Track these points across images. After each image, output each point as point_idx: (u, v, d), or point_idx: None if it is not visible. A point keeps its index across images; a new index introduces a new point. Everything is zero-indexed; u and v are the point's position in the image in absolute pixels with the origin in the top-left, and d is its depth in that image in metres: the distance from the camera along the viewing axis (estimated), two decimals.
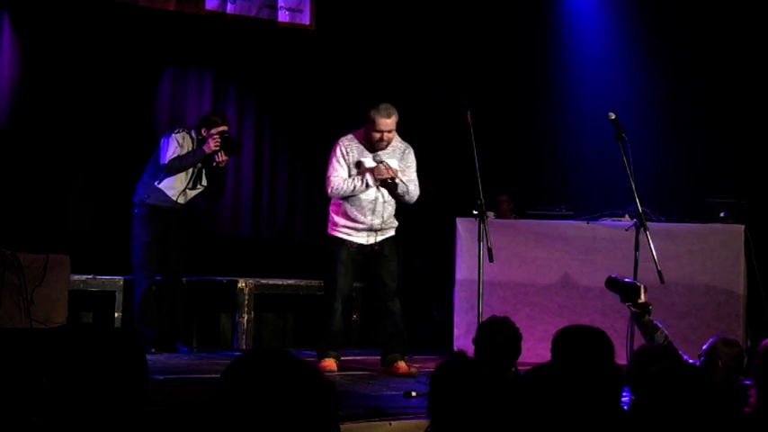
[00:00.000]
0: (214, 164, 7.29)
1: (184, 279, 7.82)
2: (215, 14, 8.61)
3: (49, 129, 8.04)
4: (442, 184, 8.76)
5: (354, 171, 6.49)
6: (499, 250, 6.41)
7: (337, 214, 6.59)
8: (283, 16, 8.93)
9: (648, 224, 6.22)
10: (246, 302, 7.98)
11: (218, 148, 7.22)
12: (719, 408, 2.94)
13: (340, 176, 6.48)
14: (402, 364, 6.52)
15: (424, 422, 3.80)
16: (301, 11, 9.00)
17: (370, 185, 6.48)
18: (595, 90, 9.17)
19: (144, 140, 8.42)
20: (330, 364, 6.45)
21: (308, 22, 9.05)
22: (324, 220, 8.19)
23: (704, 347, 4.53)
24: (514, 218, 8.36)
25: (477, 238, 6.26)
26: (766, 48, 8.36)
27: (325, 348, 6.56)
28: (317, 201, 9.21)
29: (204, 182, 7.42)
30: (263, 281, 8.21)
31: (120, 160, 8.21)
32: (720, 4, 8.58)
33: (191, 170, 7.30)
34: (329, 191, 6.52)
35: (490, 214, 6.97)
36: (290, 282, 8.35)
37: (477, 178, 6.22)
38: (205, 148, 7.20)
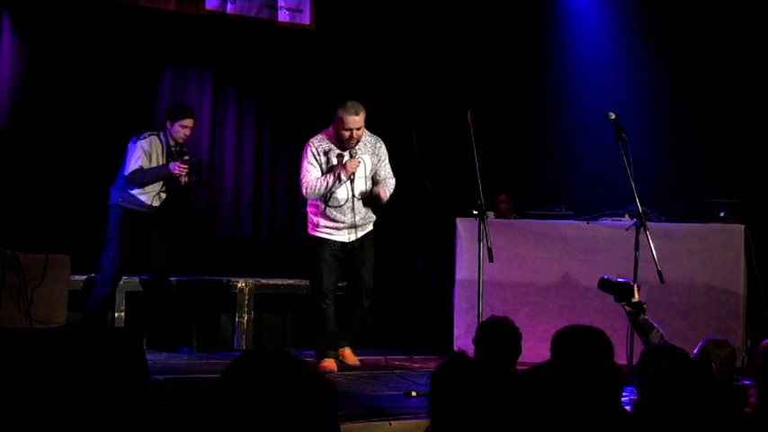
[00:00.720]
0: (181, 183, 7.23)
1: (182, 279, 7.83)
2: (215, 14, 8.61)
3: (50, 129, 8.05)
4: (442, 184, 8.76)
5: (327, 169, 6.48)
6: (499, 250, 6.40)
7: (316, 215, 6.58)
8: (283, 16, 8.94)
9: (648, 224, 6.22)
10: (246, 302, 7.98)
11: (181, 175, 7.10)
12: (720, 408, 2.94)
13: (313, 176, 6.46)
14: (348, 352, 6.69)
15: (424, 422, 3.80)
16: (301, 11, 9.00)
17: (343, 180, 6.46)
18: (595, 90, 9.17)
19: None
20: (330, 364, 6.46)
21: (307, 22, 9.05)
22: None
23: (695, 351, 4.52)
24: (514, 218, 8.35)
25: (477, 238, 6.25)
26: (766, 48, 8.36)
27: (323, 349, 6.56)
28: None
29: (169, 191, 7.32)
30: (263, 281, 8.21)
31: (119, 160, 8.20)
32: (720, 4, 8.58)
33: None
34: (304, 192, 6.50)
35: (490, 214, 6.97)
36: (290, 282, 8.35)
37: (478, 178, 6.22)
38: (171, 168, 7.05)
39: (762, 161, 8.29)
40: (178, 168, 7.06)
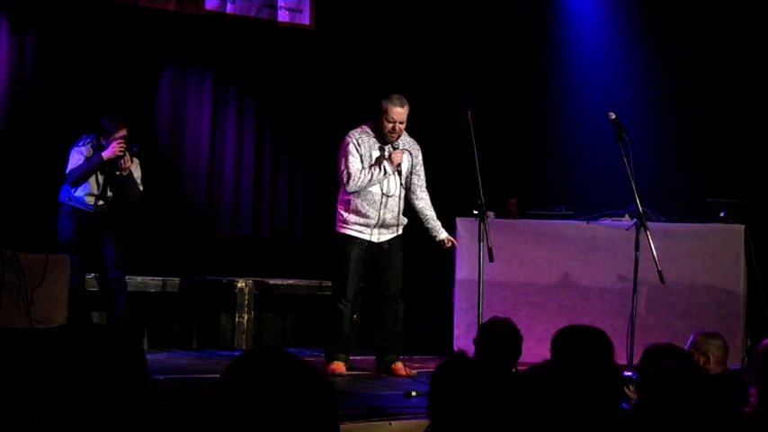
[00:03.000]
0: (117, 172, 6.94)
1: (183, 279, 7.82)
2: (215, 14, 8.61)
3: (50, 129, 8.04)
4: (442, 184, 8.77)
5: (368, 163, 6.36)
6: (499, 250, 6.41)
7: (347, 211, 6.43)
8: (283, 16, 8.93)
9: (649, 224, 6.23)
10: (246, 302, 7.98)
11: (122, 153, 6.86)
12: (719, 407, 2.94)
13: (357, 168, 6.33)
14: (400, 365, 6.49)
15: (424, 422, 3.80)
16: (301, 11, 9.00)
17: (388, 172, 6.36)
18: (595, 90, 9.17)
19: (144, 140, 8.40)
20: (339, 367, 6.37)
21: (307, 22, 9.05)
22: (325, 219, 8.18)
23: (686, 347, 4.51)
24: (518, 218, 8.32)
25: (477, 237, 6.25)
26: (766, 48, 8.36)
27: (334, 351, 6.45)
28: (318, 200, 9.23)
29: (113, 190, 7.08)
30: (263, 281, 8.21)
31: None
32: (720, 4, 8.58)
33: (101, 177, 6.99)
34: (348, 184, 6.34)
35: (490, 214, 6.96)
36: (290, 282, 8.35)
37: (478, 178, 6.22)
38: (104, 153, 6.84)
39: (762, 161, 8.29)
40: (117, 147, 6.81)
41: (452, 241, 6.69)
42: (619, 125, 6.19)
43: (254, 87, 9.15)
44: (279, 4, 8.90)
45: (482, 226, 6.22)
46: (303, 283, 8.40)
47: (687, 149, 8.80)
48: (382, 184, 6.41)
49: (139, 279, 7.65)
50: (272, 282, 8.27)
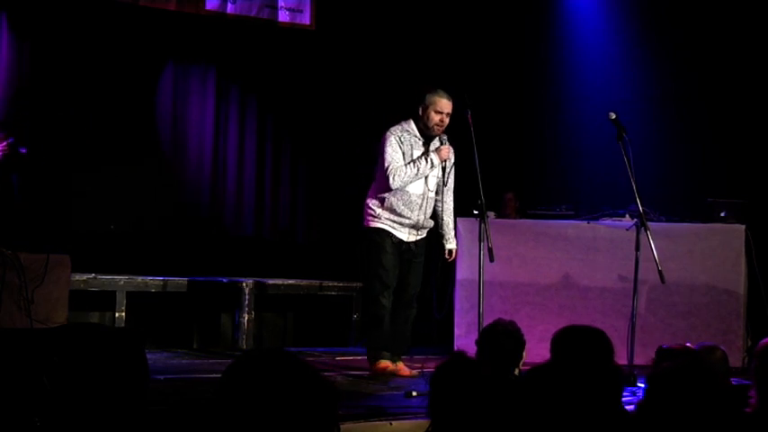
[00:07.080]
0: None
1: (183, 279, 7.83)
2: (215, 14, 8.60)
3: (50, 129, 8.05)
4: None
5: (410, 160, 6.27)
6: (500, 250, 6.40)
7: (380, 207, 6.30)
8: (283, 16, 8.93)
9: (649, 224, 6.22)
10: (247, 302, 7.98)
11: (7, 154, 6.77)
12: (720, 407, 2.94)
13: (400, 163, 6.21)
14: (401, 365, 6.46)
15: (424, 422, 3.80)
16: (301, 11, 9.00)
17: (435, 165, 6.27)
18: (595, 90, 9.17)
19: (145, 140, 8.42)
20: (387, 365, 6.24)
21: (308, 22, 9.05)
22: (327, 219, 8.20)
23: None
24: (518, 218, 8.32)
25: (477, 237, 6.25)
26: (766, 47, 8.36)
27: (378, 349, 6.31)
28: (320, 200, 9.23)
29: None
30: (264, 281, 8.21)
31: (120, 160, 8.22)
32: (720, 4, 8.58)
33: None
34: (394, 180, 6.20)
35: (491, 214, 6.96)
36: (291, 281, 8.35)
37: (479, 178, 6.21)
38: None
39: (762, 161, 8.29)
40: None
41: (454, 258, 6.69)
42: (619, 125, 6.18)
43: (256, 87, 9.16)
44: (279, 4, 8.90)
45: (482, 226, 6.21)
46: (303, 283, 8.40)
47: (687, 149, 8.80)
48: (427, 180, 6.33)
49: (140, 279, 7.65)
50: (272, 282, 8.27)
